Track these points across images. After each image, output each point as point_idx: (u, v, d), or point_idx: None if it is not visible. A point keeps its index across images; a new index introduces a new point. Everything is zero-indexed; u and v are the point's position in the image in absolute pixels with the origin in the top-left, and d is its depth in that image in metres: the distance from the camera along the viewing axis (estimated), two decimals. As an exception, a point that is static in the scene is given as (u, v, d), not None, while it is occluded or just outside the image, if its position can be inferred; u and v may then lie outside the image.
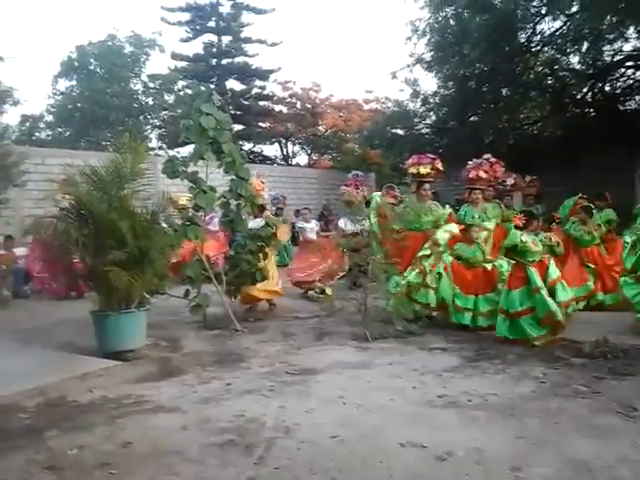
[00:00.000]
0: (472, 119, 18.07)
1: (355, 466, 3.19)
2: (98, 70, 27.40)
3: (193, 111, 6.77)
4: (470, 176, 7.91)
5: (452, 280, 6.67)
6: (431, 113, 19.07)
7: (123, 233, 5.68)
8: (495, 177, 8.30)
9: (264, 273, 7.40)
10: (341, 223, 9.99)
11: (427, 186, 7.66)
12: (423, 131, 19.36)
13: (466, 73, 16.63)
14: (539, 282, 5.84)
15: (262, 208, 8.30)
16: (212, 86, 16.88)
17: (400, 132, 19.42)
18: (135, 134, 21.73)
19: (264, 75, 26.79)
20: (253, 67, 26.47)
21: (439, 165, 7.73)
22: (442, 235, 6.70)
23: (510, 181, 9.57)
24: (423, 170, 7.59)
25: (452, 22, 16.06)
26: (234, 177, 7.16)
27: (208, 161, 6.89)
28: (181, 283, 7.09)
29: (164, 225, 6.78)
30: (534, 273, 5.89)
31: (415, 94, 18.56)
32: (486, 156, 8.20)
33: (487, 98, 17.45)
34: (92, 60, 27.49)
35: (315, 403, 4.21)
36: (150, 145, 26.19)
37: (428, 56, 17.56)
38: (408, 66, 17.96)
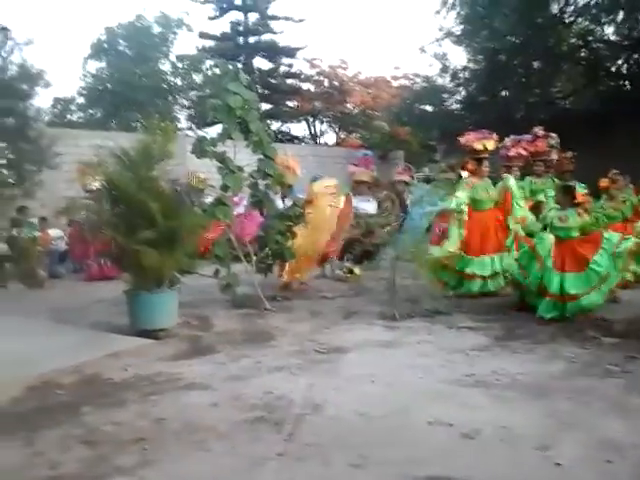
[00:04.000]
0: (503, 94, 17.74)
1: (382, 442, 3.22)
2: (127, 51, 27.66)
3: (220, 90, 6.79)
4: (510, 154, 7.62)
5: None
6: (460, 88, 18.77)
7: (153, 213, 5.74)
8: (541, 152, 7.96)
9: (293, 252, 7.44)
10: (355, 203, 10.00)
11: (486, 162, 7.31)
12: (452, 107, 19.09)
13: (496, 46, 16.29)
14: None
15: (288, 186, 8.20)
16: (239, 65, 16.87)
17: (429, 109, 19.19)
18: (164, 115, 22.00)
19: (291, 53, 26.64)
20: (280, 45, 26.35)
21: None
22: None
23: (554, 156, 9.13)
24: (490, 146, 7.20)
25: (482, -7, 15.76)
26: (262, 156, 7.18)
27: (236, 141, 6.92)
28: (211, 262, 7.18)
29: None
30: None
31: (444, 69, 18.29)
32: (537, 129, 7.87)
33: (518, 72, 17.10)
34: (121, 41, 27.75)
35: (343, 381, 4.24)
36: (179, 125, 26.41)
37: (458, 29, 17.28)
38: (437, 40, 17.73)
